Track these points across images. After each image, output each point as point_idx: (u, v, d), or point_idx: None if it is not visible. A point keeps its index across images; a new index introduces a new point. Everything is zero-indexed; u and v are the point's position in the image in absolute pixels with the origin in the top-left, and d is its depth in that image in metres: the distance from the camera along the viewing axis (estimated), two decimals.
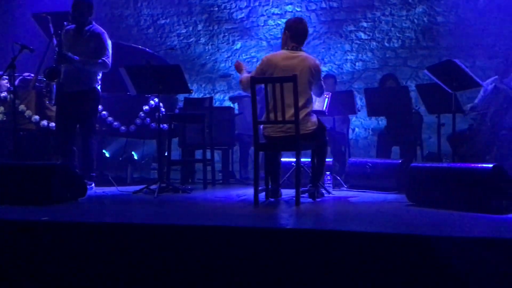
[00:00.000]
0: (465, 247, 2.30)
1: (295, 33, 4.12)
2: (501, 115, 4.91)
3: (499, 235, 2.53)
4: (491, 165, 3.33)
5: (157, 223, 2.91)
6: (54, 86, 4.80)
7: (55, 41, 4.98)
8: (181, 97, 6.24)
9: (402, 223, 3.04)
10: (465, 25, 7.04)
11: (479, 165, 3.42)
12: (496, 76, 5.26)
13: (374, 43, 7.62)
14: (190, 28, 8.52)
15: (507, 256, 2.24)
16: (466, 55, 6.91)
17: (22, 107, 5.13)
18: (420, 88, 5.15)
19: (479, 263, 2.26)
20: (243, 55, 8.22)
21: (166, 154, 5.33)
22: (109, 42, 4.81)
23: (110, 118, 5.40)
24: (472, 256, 2.28)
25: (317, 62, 4.12)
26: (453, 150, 4.96)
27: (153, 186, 4.53)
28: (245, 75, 4.18)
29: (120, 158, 6.66)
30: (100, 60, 4.68)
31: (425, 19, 7.39)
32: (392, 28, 7.53)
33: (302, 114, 3.89)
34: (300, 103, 3.83)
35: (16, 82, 5.05)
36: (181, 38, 8.56)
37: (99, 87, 4.82)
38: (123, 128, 5.43)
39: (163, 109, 5.46)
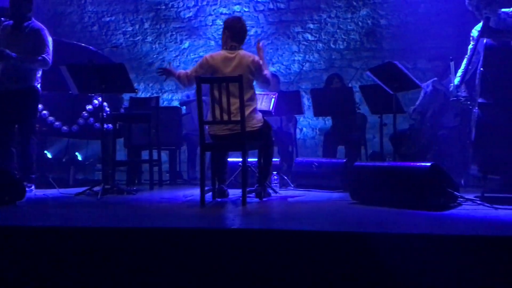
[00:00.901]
0: (404, 244, 2.38)
1: (233, 32, 4.15)
2: (439, 115, 5.11)
3: (436, 232, 2.63)
4: (429, 164, 3.45)
5: (100, 226, 2.84)
6: None
7: None
8: (126, 96, 6.11)
9: (345, 221, 3.10)
10: (407, 28, 7.29)
11: (418, 164, 3.54)
12: (435, 78, 5.47)
13: (321, 45, 7.75)
14: (137, 26, 8.37)
15: (445, 252, 2.33)
16: (408, 57, 7.15)
17: None
18: (363, 89, 5.28)
19: (418, 259, 2.34)
20: (191, 54, 8.15)
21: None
22: (50, 39, 4.65)
23: (51, 118, 5.23)
24: (411, 252, 2.35)
25: (256, 58, 4.13)
26: (395, 149, 5.12)
27: (96, 188, 4.42)
28: (180, 71, 4.20)
29: (63, 159, 6.45)
30: (39, 57, 4.52)
31: (369, 21, 7.59)
32: (338, 30, 7.69)
33: (246, 111, 3.92)
34: (244, 101, 3.85)
35: None
36: (127, 36, 8.39)
37: (39, 86, 4.66)
38: (65, 128, 5.27)
39: (107, 109, 5.33)
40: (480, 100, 3.78)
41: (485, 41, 3.74)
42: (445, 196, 3.45)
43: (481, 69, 3.81)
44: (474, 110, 3.73)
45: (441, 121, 5.13)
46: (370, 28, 7.58)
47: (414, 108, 5.42)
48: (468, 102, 3.99)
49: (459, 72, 4.08)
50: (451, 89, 4.30)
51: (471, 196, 3.75)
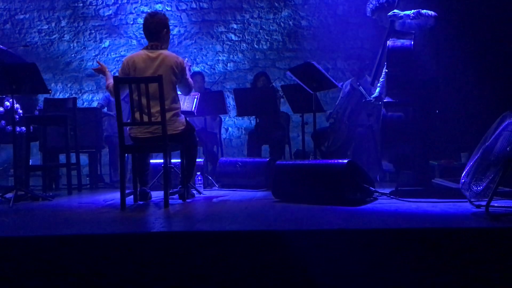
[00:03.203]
0: (320, 240, 2.44)
1: (145, 31, 4.04)
2: (357, 113, 5.31)
3: (352, 226, 2.72)
4: (346, 161, 3.58)
5: (11, 236, 2.68)
6: None
7: None
8: (41, 97, 5.83)
9: (265, 220, 3.14)
10: (326, 29, 7.51)
11: (335, 161, 3.66)
12: (353, 77, 5.68)
13: (244, 45, 7.80)
14: (53, 24, 8.00)
15: (359, 246, 2.41)
16: (328, 57, 7.38)
17: None
18: (285, 89, 5.37)
19: (333, 254, 2.41)
20: (112, 53, 7.92)
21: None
22: None
23: None
24: (327, 247, 2.42)
25: (180, 59, 4.03)
26: (316, 147, 5.26)
27: (8, 195, 4.17)
28: (111, 80, 4.00)
29: None
30: None
31: (290, 22, 7.74)
32: (261, 31, 7.78)
33: (169, 114, 3.85)
34: (166, 104, 3.78)
35: None
36: (43, 34, 8.00)
37: None
38: None
39: (20, 111, 5.04)
40: (386, 99, 3.97)
41: (388, 43, 3.93)
42: (361, 191, 3.59)
43: (385, 70, 4.01)
44: (382, 109, 3.91)
45: (358, 119, 5.33)
46: (291, 28, 7.73)
47: (330, 113, 5.61)
48: (379, 102, 4.18)
49: (379, 83, 4.26)
50: (372, 96, 4.48)
51: (386, 191, 3.93)
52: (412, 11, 3.97)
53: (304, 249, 2.41)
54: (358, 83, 5.17)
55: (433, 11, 3.97)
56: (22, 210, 3.80)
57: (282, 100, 5.68)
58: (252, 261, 2.42)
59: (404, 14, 3.99)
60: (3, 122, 5.03)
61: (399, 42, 3.92)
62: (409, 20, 4.00)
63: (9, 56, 5.16)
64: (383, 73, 4.16)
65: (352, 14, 7.49)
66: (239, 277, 2.42)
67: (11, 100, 4.59)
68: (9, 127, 4.99)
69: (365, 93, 4.92)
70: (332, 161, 3.72)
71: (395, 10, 4.01)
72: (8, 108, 4.93)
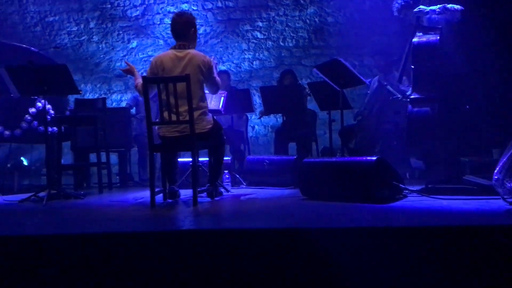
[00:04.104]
0: (350, 237, 2.43)
1: (173, 31, 4.07)
2: (384, 110, 5.24)
3: (381, 224, 2.70)
4: (374, 158, 3.54)
5: (45, 234, 2.75)
6: None
7: None
8: (72, 98, 5.95)
9: (294, 218, 3.14)
10: (353, 25, 7.43)
11: (364, 158, 3.63)
12: (380, 74, 5.61)
13: (270, 43, 7.80)
14: (82, 26, 8.14)
15: (390, 244, 2.39)
16: (355, 54, 7.30)
17: None
18: (312, 86, 5.35)
19: (363, 252, 2.39)
20: (140, 54, 8.02)
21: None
22: None
23: None
24: (357, 245, 2.40)
25: (207, 58, 4.05)
26: (343, 144, 5.22)
27: (41, 194, 4.27)
28: (139, 80, 4.06)
29: (8, 165, 6.21)
30: None
31: (316, 19, 7.69)
32: (286, 28, 7.76)
33: (196, 113, 3.87)
34: (194, 103, 3.81)
35: None
36: (72, 36, 8.16)
37: None
38: (7, 132, 5.06)
39: (52, 111, 5.17)
40: (412, 95, 3.92)
41: (413, 39, 3.89)
42: (390, 189, 3.55)
43: (412, 66, 3.96)
44: (409, 105, 3.87)
45: (386, 116, 5.27)
46: (317, 25, 7.69)
47: (357, 112, 5.56)
48: (405, 99, 4.13)
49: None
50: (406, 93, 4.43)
51: (415, 188, 3.87)
52: (438, 6, 3.92)
53: (334, 247, 2.39)
54: (387, 81, 5.12)
55: (460, 5, 3.91)
56: (55, 209, 3.90)
57: (308, 97, 5.65)
58: (281, 259, 2.43)
59: (429, 10, 3.94)
60: (35, 122, 5.16)
61: (425, 38, 3.87)
62: (435, 15, 3.94)
63: (41, 58, 5.29)
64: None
65: (379, 9, 7.38)
66: (268, 275, 2.42)
67: (43, 101, 4.70)
68: (41, 128, 5.12)
69: (393, 90, 4.86)
70: (361, 158, 3.69)
71: (420, 6, 3.96)
72: (40, 109, 5.05)
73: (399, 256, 2.36)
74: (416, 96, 3.88)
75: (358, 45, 7.39)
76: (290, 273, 2.42)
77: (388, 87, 4.94)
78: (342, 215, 3.08)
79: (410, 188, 3.83)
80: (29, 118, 5.12)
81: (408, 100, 4.06)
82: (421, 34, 3.86)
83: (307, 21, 7.71)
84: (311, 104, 5.99)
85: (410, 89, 4.22)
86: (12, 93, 4.44)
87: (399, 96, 4.31)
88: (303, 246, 2.43)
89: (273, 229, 2.62)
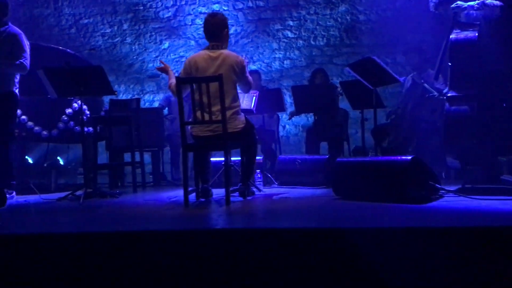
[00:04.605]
0: (386, 238, 2.40)
1: (205, 31, 4.10)
2: (419, 108, 5.16)
3: (418, 224, 2.66)
4: (409, 157, 3.49)
5: (83, 231, 2.81)
6: None
7: None
8: (107, 98, 6.06)
9: (328, 217, 3.12)
10: (385, 22, 7.34)
11: (398, 158, 3.57)
12: (414, 72, 5.52)
13: (301, 42, 7.77)
14: (115, 28, 8.29)
15: (426, 244, 2.35)
16: (387, 52, 7.21)
17: None
18: (344, 85, 5.31)
19: (400, 253, 2.36)
20: (172, 54, 8.12)
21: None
22: (27, 43, 4.60)
23: (30, 123, 5.17)
24: (393, 246, 2.37)
25: (240, 58, 4.08)
26: (376, 144, 5.16)
27: (78, 192, 4.37)
28: (173, 80, 4.11)
29: (45, 165, 6.37)
30: (17, 62, 4.46)
31: (348, 17, 7.63)
32: (317, 27, 7.72)
33: (229, 113, 3.90)
34: (226, 102, 3.83)
35: None
36: (106, 38, 8.32)
37: (17, 90, 4.60)
38: (44, 133, 5.20)
39: (87, 112, 5.28)
40: (449, 93, 3.84)
41: (451, 36, 3.80)
42: (426, 189, 3.49)
43: (449, 63, 3.87)
44: (446, 103, 3.80)
45: (421, 115, 5.18)
46: (349, 24, 7.62)
47: (389, 111, 5.48)
48: (442, 97, 4.05)
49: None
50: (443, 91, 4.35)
51: (452, 188, 3.80)
52: (476, 1, 3.83)
53: (369, 248, 2.37)
54: (422, 79, 5.03)
55: (499, 0, 3.81)
56: (92, 207, 3.98)
57: (340, 96, 5.61)
58: (315, 260, 2.41)
59: (467, 5, 3.86)
60: (71, 123, 5.29)
61: (463, 35, 3.78)
62: (473, 11, 3.85)
63: (77, 60, 5.41)
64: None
65: (412, 6, 7.27)
66: (301, 275, 2.41)
67: (79, 101, 4.81)
68: (78, 128, 5.25)
69: (429, 87, 4.77)
70: (395, 157, 3.63)
71: (458, 2, 3.88)
72: (77, 109, 5.17)
73: (435, 257, 2.32)
74: (454, 94, 3.80)
75: (390, 43, 7.30)
76: (324, 274, 2.41)
77: (425, 84, 4.85)
78: (377, 215, 3.04)
79: (447, 188, 3.76)
80: (65, 118, 5.25)
81: (445, 98, 3.98)
82: (458, 30, 3.77)
83: (339, 19, 7.66)
84: (343, 103, 5.94)
85: (447, 87, 4.14)
86: (50, 94, 4.55)
87: (436, 93, 4.23)
88: (337, 246, 2.41)
89: (307, 229, 2.60)
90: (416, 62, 5.57)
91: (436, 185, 3.56)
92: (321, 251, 2.43)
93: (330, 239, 2.45)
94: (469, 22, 3.87)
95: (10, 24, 4.58)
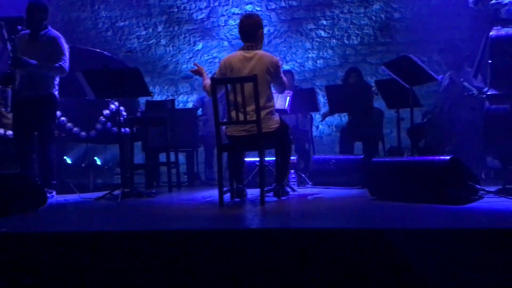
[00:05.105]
0: (425, 239, 2.36)
1: (240, 32, 4.12)
2: (457, 107, 5.05)
3: (458, 226, 2.60)
4: (448, 157, 3.41)
5: (121, 230, 2.86)
6: (10, 93, 4.68)
7: (9, 47, 4.83)
8: (142, 100, 6.17)
9: (365, 218, 3.09)
10: (421, 20, 7.21)
11: (437, 158, 3.50)
12: (452, 70, 5.41)
13: (334, 41, 7.72)
14: (150, 30, 8.43)
15: (467, 246, 2.30)
16: (423, 50, 7.08)
17: None
18: (379, 84, 5.24)
19: (438, 254, 2.32)
20: (205, 55, 8.19)
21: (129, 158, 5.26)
22: (66, 46, 4.71)
23: (69, 124, 5.29)
24: (431, 247, 2.33)
25: (275, 58, 4.08)
26: (413, 143, 5.08)
27: (116, 192, 4.45)
28: (207, 81, 4.15)
29: (83, 165, 6.53)
30: (57, 65, 4.57)
31: (382, 15, 7.53)
32: (351, 26, 7.65)
33: (263, 113, 3.90)
34: (261, 102, 3.84)
35: None
36: (141, 40, 8.46)
37: (56, 93, 4.72)
38: (83, 133, 5.32)
39: (124, 113, 5.38)
40: (489, 91, 3.74)
41: (491, 33, 3.70)
42: (465, 189, 3.42)
43: (489, 61, 3.77)
44: (486, 102, 3.70)
45: (458, 114, 5.07)
46: (383, 22, 7.53)
47: (425, 111, 5.39)
48: (482, 96, 3.95)
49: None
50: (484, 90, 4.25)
51: (492, 189, 3.70)
52: None
53: (406, 249, 2.33)
54: (461, 77, 4.92)
55: None
56: (129, 207, 4.04)
57: (375, 96, 5.54)
58: (351, 260, 2.39)
59: (508, 1, 3.75)
60: (109, 124, 5.39)
61: (504, 31, 3.68)
62: None
63: (113, 62, 5.51)
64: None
65: (448, 3, 7.13)
66: (337, 275, 2.40)
67: (116, 103, 4.91)
68: (115, 129, 5.35)
69: (469, 86, 4.66)
70: (433, 157, 3.56)
71: None
72: (114, 110, 5.28)
73: (475, 258, 2.26)
74: (494, 92, 3.70)
75: (426, 41, 7.17)
76: (360, 275, 2.38)
77: (465, 83, 4.75)
78: (415, 216, 2.99)
79: (487, 188, 3.66)
80: (103, 119, 5.36)
81: (485, 96, 3.88)
82: (499, 27, 3.67)
83: (373, 17, 7.57)
84: (376, 102, 5.88)
85: (487, 85, 4.03)
86: (88, 96, 4.65)
87: (475, 92, 4.13)
88: (374, 247, 2.38)
89: (342, 229, 2.58)
90: (452, 60, 5.46)
91: (476, 185, 3.47)
92: (357, 252, 2.40)
93: (366, 240, 2.42)
94: (510, 18, 3.76)
95: (50, 27, 4.71)
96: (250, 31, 4.07)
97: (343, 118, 7.38)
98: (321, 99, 7.14)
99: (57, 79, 4.72)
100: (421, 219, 2.90)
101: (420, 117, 5.61)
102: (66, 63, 4.63)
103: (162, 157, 5.96)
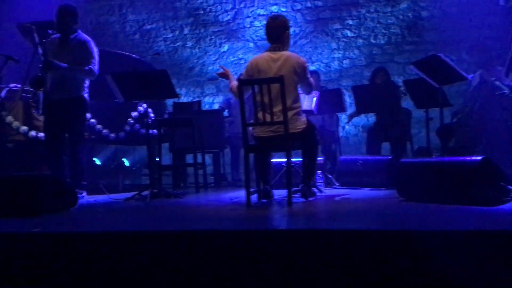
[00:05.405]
0: (457, 241, 2.32)
1: (267, 33, 4.12)
2: (488, 107, 4.94)
3: (489, 227, 2.55)
4: (479, 158, 3.35)
5: (150, 230, 2.90)
6: (41, 95, 4.79)
7: (40, 51, 4.94)
8: (169, 101, 6.23)
9: (394, 219, 3.05)
10: (449, 19, 7.10)
11: (468, 158, 3.44)
12: (482, 70, 5.30)
13: (361, 40, 7.66)
14: (177, 32, 8.51)
15: (497, 248, 2.26)
16: (452, 49, 6.96)
17: (9, 118, 5.09)
18: (407, 84, 5.18)
19: (470, 256, 2.27)
20: (231, 57, 8.23)
21: (157, 159, 5.31)
22: (96, 50, 4.78)
23: (99, 126, 5.37)
24: (463, 249, 2.29)
25: (301, 59, 4.08)
26: (442, 144, 5.00)
27: (145, 192, 4.51)
28: (234, 82, 4.17)
29: (112, 166, 6.63)
30: (86, 68, 4.65)
31: (409, 14, 7.44)
32: (378, 25, 7.58)
33: (290, 113, 3.90)
34: (288, 103, 3.84)
35: (3, 94, 5.02)
36: (168, 42, 8.55)
37: (86, 95, 4.80)
38: (112, 135, 5.40)
39: (152, 115, 5.44)
40: None
41: None
42: (497, 190, 3.34)
43: None
44: None
45: (489, 113, 4.96)
46: (411, 21, 7.43)
47: (454, 112, 5.29)
48: None
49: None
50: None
51: None
52: None
53: (437, 251, 2.30)
54: (492, 76, 4.82)
55: None
56: (158, 207, 4.09)
57: (403, 96, 5.47)
58: (380, 262, 2.37)
59: None
60: (137, 125, 5.46)
61: None
62: None
63: (141, 65, 5.59)
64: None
65: (477, 1, 6.99)
66: (366, 277, 2.38)
67: (144, 105, 4.97)
68: (143, 130, 5.42)
69: (501, 85, 4.56)
70: (464, 158, 3.50)
71: None
72: (142, 112, 5.34)
73: (507, 261, 2.22)
74: None
75: (455, 40, 7.06)
76: (389, 277, 2.36)
77: (497, 82, 4.65)
78: (446, 217, 2.95)
79: None
80: (131, 121, 5.43)
81: None
82: None
83: (400, 16, 7.48)
84: (404, 102, 5.81)
85: None
86: (117, 98, 4.72)
87: (506, 91, 4.04)
88: (403, 249, 2.35)
89: (371, 230, 2.55)
90: (481, 59, 5.34)
91: (508, 186, 3.39)
92: (386, 254, 2.38)
93: (396, 241, 2.39)
94: None
95: (79, 31, 4.80)
96: (277, 32, 4.07)
97: (369, 119, 7.31)
98: (347, 99, 7.09)
99: (87, 82, 4.80)
100: (451, 221, 2.86)
101: (450, 117, 5.52)
102: (95, 66, 4.71)
103: (189, 158, 6.01)
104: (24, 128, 5.11)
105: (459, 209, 3.15)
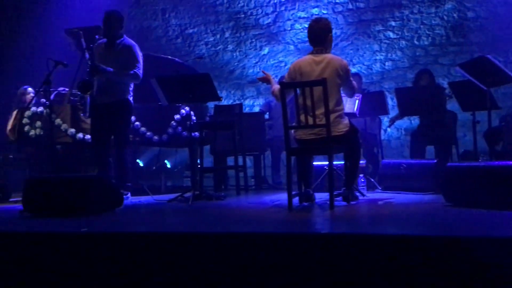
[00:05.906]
0: (505, 247, 2.24)
1: (310, 36, 4.11)
2: None
3: None
4: None
5: (193, 232, 2.94)
6: (88, 99, 4.93)
7: (87, 55, 5.10)
8: (211, 104, 6.29)
9: (441, 225, 2.98)
10: (496, 19, 6.90)
11: None
12: None
13: (404, 42, 7.53)
14: (218, 36, 8.60)
15: None
16: (499, 50, 6.77)
17: (58, 121, 5.26)
18: (453, 86, 5.05)
19: None
20: (271, 60, 8.24)
21: (198, 161, 5.37)
22: (140, 54, 4.89)
23: (143, 129, 5.48)
24: None
25: (344, 62, 4.06)
26: (490, 148, 4.85)
27: (187, 194, 4.57)
28: (276, 86, 4.18)
29: (154, 167, 6.75)
30: (132, 72, 4.76)
31: (455, 15, 7.26)
32: (421, 26, 7.44)
33: (333, 116, 3.87)
34: (330, 106, 3.82)
35: (52, 97, 5.19)
36: (209, 46, 8.65)
37: (131, 98, 4.91)
38: (155, 137, 5.50)
39: (194, 118, 5.51)
40: None
41: None
42: None
43: None
44: None
45: None
46: (456, 21, 7.25)
47: (502, 116, 5.12)
48: None
49: None
50: None
51: None
52: None
53: (487, 258, 2.23)
54: None
55: None
56: (200, 209, 4.14)
57: (449, 98, 5.34)
58: (426, 268, 2.32)
59: None
60: (179, 128, 5.54)
61: None
62: None
63: (184, 68, 5.67)
64: None
65: None
66: (411, 283, 2.33)
67: (187, 108, 5.03)
68: (185, 133, 5.49)
69: None
70: None
71: None
72: (184, 115, 5.42)
73: None
74: None
75: (502, 40, 6.85)
76: (435, 283, 2.30)
77: None
78: (494, 223, 2.86)
79: None
80: (174, 124, 5.51)
81: None
82: None
83: (444, 17, 7.31)
84: (449, 105, 5.66)
85: None
86: (161, 102, 4.81)
87: None
88: (451, 255, 2.29)
89: (417, 236, 2.50)
90: None
91: None
92: (432, 260, 2.32)
93: (442, 247, 2.33)
94: None
95: (125, 36, 4.91)
96: (320, 35, 4.06)
97: (412, 122, 7.17)
98: (389, 101, 6.97)
99: (132, 85, 4.91)
100: (500, 227, 2.77)
101: (497, 120, 5.35)
102: (140, 70, 4.81)
103: (230, 160, 6.04)
104: (72, 130, 5.27)
105: (509, 215, 3.05)
